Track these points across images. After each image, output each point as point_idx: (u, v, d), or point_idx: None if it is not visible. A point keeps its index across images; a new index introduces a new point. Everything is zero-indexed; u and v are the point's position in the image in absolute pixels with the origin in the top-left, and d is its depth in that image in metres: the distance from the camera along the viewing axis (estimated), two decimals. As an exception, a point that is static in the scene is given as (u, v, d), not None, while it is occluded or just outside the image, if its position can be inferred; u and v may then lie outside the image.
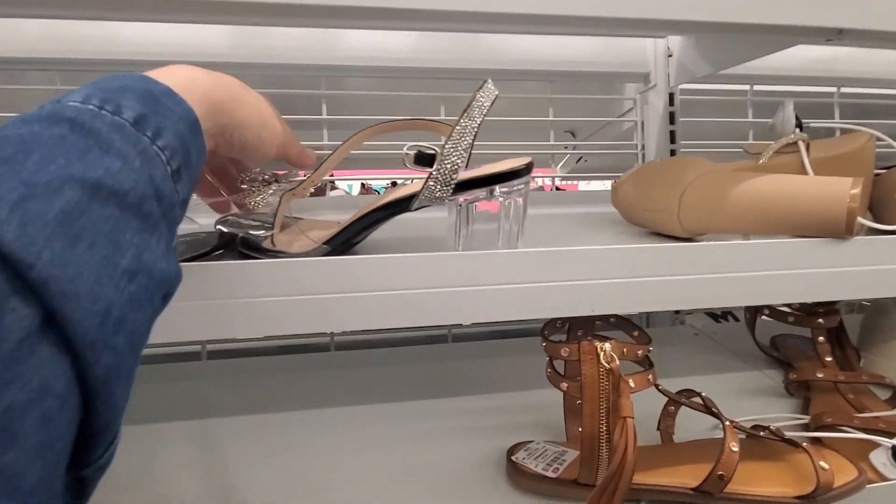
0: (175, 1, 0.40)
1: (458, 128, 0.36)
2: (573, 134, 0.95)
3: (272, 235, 0.42)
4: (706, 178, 0.48)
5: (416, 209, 0.39)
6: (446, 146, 0.36)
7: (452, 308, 0.37)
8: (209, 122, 0.31)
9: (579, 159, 0.97)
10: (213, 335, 0.36)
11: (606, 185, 1.26)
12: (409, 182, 0.48)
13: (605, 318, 0.49)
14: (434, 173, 0.37)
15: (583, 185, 1.60)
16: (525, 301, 0.39)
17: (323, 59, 0.74)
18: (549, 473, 0.45)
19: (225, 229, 0.44)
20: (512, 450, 0.48)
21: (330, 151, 0.75)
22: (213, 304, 0.35)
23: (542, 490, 0.45)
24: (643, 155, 0.78)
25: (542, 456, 0.47)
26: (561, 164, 1.00)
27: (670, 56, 0.75)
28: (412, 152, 0.37)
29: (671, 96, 0.76)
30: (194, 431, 0.55)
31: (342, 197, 0.83)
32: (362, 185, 1.94)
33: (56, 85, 0.66)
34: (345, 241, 0.41)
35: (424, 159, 0.37)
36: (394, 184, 1.93)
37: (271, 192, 0.41)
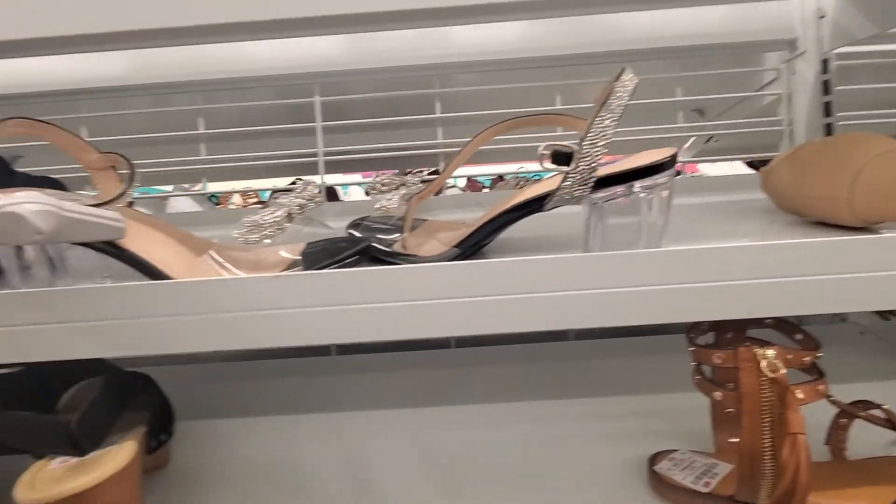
0: (296, 21, 0.42)
1: (595, 123, 0.34)
2: (701, 112, 0.87)
3: (403, 239, 0.43)
4: (887, 157, 0.41)
5: (549, 209, 0.37)
6: (584, 143, 0.34)
7: (598, 310, 0.35)
8: None
9: (708, 140, 0.89)
10: (348, 338, 0.36)
11: (735, 167, 1.14)
12: (514, 178, 0.46)
13: (759, 320, 0.44)
14: (572, 172, 0.35)
15: (705, 168, 1.47)
16: (675, 303, 0.35)
17: (433, 59, 0.74)
18: (700, 488, 0.42)
19: (357, 234, 0.46)
20: (654, 458, 0.45)
21: (445, 150, 0.76)
22: (350, 310, 0.36)
23: (690, 504, 0.42)
24: (790, 131, 0.69)
25: (690, 468, 0.44)
26: (687, 145, 0.92)
27: (822, 17, 0.66)
28: (548, 152, 0.35)
29: (825, 63, 0.67)
30: (329, 424, 0.58)
31: (461, 196, 0.82)
32: (468, 179, 1.95)
33: (199, 104, 0.72)
34: (475, 244, 0.40)
35: (561, 158, 0.35)
36: (500, 178, 1.92)
37: (401, 194, 0.42)
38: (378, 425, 0.57)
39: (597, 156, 0.34)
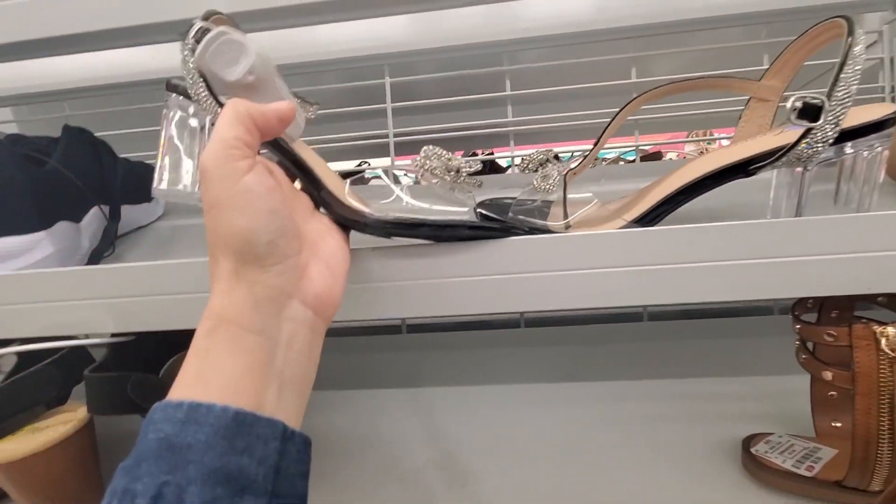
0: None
1: (842, 78, 0.31)
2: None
3: (566, 224, 0.37)
4: None
5: (758, 173, 0.34)
6: (833, 98, 0.31)
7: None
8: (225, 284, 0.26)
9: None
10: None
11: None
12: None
13: (870, 297, 0.41)
14: (820, 127, 0.31)
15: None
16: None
17: (503, 35, 0.73)
18: (803, 471, 0.40)
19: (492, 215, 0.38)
20: (749, 441, 0.44)
21: (513, 128, 0.75)
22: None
23: (792, 489, 0.40)
24: (893, 98, 0.64)
25: (790, 451, 0.42)
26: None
27: (933, -30, 0.60)
28: (800, 104, 0.31)
29: (935, 21, 0.61)
30: (410, 398, 0.59)
31: (610, 167, 0.78)
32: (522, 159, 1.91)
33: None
34: (654, 218, 0.36)
35: (811, 112, 0.31)
36: (556, 157, 1.88)
37: (555, 173, 0.38)
38: (457, 401, 0.58)
39: (843, 111, 0.31)
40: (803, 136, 0.31)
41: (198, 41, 0.28)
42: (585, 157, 0.38)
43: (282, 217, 0.27)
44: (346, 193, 0.33)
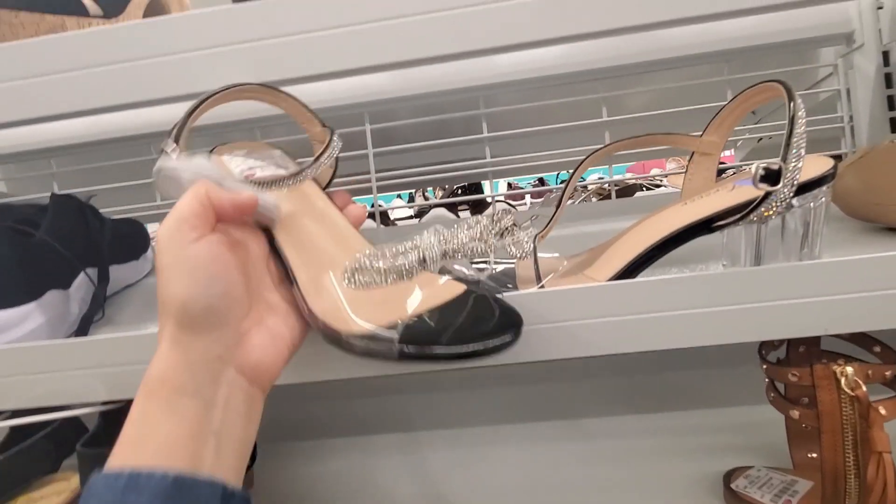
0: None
1: (794, 139, 0.33)
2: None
3: (540, 286, 0.38)
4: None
5: (720, 229, 0.36)
6: (789, 160, 0.33)
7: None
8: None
9: (760, 139, 0.87)
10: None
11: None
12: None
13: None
14: (780, 189, 0.33)
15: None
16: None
17: (478, 80, 0.75)
18: (781, 506, 0.41)
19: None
20: (730, 476, 0.45)
21: (492, 168, 0.77)
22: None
23: (771, 523, 0.42)
24: (852, 127, 0.67)
25: (768, 485, 0.43)
26: (738, 144, 0.90)
27: (881, 9, 0.63)
28: (763, 171, 0.33)
29: (885, 55, 0.64)
30: (401, 442, 0.60)
31: (583, 206, 0.79)
32: (508, 184, 1.95)
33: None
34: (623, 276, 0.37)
35: (770, 176, 0.33)
36: (541, 181, 1.91)
37: (525, 238, 0.37)
38: (445, 443, 0.59)
39: (797, 172, 0.33)
40: (764, 198, 0.33)
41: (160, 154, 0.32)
42: (551, 219, 0.40)
43: (225, 283, 0.27)
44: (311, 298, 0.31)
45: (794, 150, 0.32)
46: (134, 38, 0.44)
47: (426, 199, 1.96)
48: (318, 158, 0.36)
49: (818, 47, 0.71)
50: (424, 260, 0.32)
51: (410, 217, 1.52)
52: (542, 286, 0.38)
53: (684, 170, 0.42)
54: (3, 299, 0.44)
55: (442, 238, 0.34)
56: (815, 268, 0.34)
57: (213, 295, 0.27)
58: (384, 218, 1.19)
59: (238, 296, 0.29)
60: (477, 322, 0.29)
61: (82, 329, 0.50)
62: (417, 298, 0.30)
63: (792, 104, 0.33)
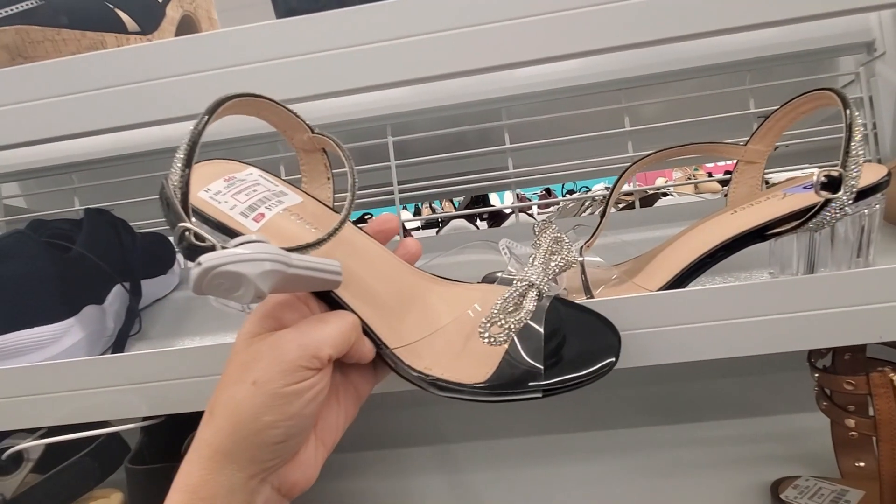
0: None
1: (853, 146, 0.33)
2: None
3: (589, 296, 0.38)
4: None
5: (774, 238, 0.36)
6: (849, 167, 0.33)
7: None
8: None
9: (776, 147, 0.87)
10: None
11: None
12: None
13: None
14: (840, 196, 0.33)
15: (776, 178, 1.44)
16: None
17: (499, 92, 0.76)
18: (834, 516, 0.41)
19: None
20: (777, 486, 0.45)
21: (515, 179, 0.77)
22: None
23: (824, 533, 0.41)
24: (875, 135, 0.67)
25: (818, 495, 0.43)
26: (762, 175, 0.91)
27: (902, 17, 0.64)
28: (824, 179, 0.33)
29: (909, 63, 0.65)
30: (434, 455, 0.59)
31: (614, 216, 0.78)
32: (516, 195, 1.95)
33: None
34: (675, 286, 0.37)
35: (833, 184, 0.33)
36: (547, 191, 1.91)
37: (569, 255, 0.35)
38: (479, 455, 0.58)
39: (857, 180, 0.33)
40: (824, 205, 0.33)
41: (189, 249, 0.23)
42: (597, 228, 0.40)
43: (311, 421, 0.26)
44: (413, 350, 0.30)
45: (853, 158, 0.33)
46: (169, 56, 0.44)
47: (433, 210, 1.96)
48: (352, 190, 0.31)
49: (839, 55, 0.71)
50: (540, 296, 0.31)
51: (417, 229, 1.52)
52: (591, 297, 0.38)
53: (690, 179, 0.43)
54: (43, 315, 0.43)
55: (546, 268, 0.33)
56: (870, 275, 0.34)
57: (294, 434, 0.25)
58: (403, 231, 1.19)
59: (310, 429, 0.27)
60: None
61: (119, 344, 0.50)
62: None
63: (848, 112, 0.33)
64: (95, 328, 0.47)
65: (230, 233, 0.28)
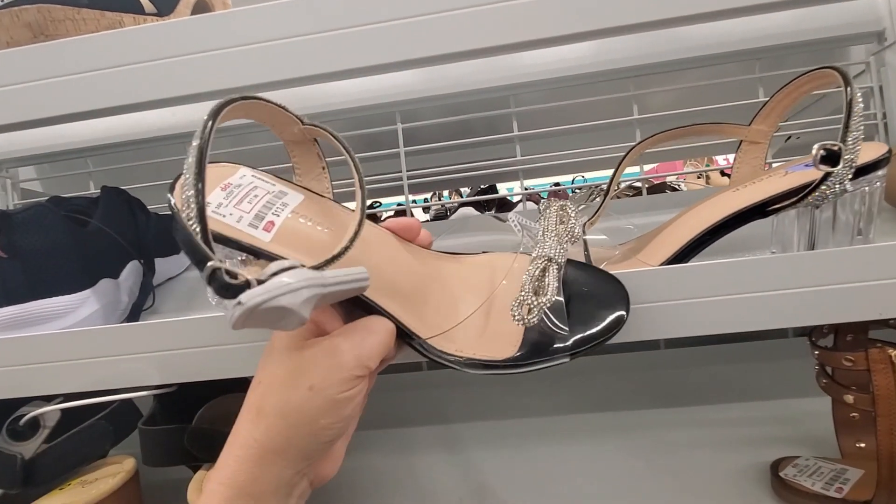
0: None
1: (852, 122, 0.34)
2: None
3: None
4: None
5: (775, 214, 0.36)
6: (848, 141, 0.33)
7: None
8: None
9: (788, 138, 0.87)
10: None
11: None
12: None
13: (883, 321, 0.43)
14: (839, 169, 0.33)
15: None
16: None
17: (507, 80, 0.76)
18: (833, 493, 0.41)
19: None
20: (777, 465, 0.45)
21: (522, 167, 0.78)
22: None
23: (823, 511, 0.42)
24: (885, 124, 0.67)
25: (818, 473, 0.43)
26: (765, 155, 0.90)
27: (913, 5, 0.64)
28: (822, 153, 0.34)
29: (919, 52, 0.65)
30: (438, 435, 0.60)
31: (619, 202, 0.79)
32: (525, 187, 1.95)
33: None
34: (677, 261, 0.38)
35: (830, 157, 0.34)
36: (557, 185, 1.91)
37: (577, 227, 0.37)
38: (481, 436, 0.59)
39: (856, 154, 0.34)
40: (823, 179, 0.34)
41: (222, 287, 0.22)
42: (599, 207, 0.41)
43: (352, 419, 0.28)
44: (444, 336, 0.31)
45: (852, 132, 0.33)
46: (184, 35, 0.45)
47: (439, 198, 1.97)
48: (361, 190, 0.30)
49: (849, 45, 0.71)
50: (559, 268, 0.32)
51: (427, 221, 1.53)
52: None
53: (701, 172, 0.43)
54: (61, 285, 0.45)
55: (559, 239, 0.34)
56: (870, 251, 0.34)
57: (341, 433, 0.28)
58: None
59: (353, 424, 0.30)
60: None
61: (133, 316, 0.51)
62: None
63: (849, 89, 0.34)
64: (110, 300, 0.48)
65: (243, 248, 0.28)
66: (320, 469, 0.29)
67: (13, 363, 0.43)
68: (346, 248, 0.28)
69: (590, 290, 0.32)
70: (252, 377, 0.29)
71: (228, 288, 0.22)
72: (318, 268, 0.25)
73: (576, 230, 0.34)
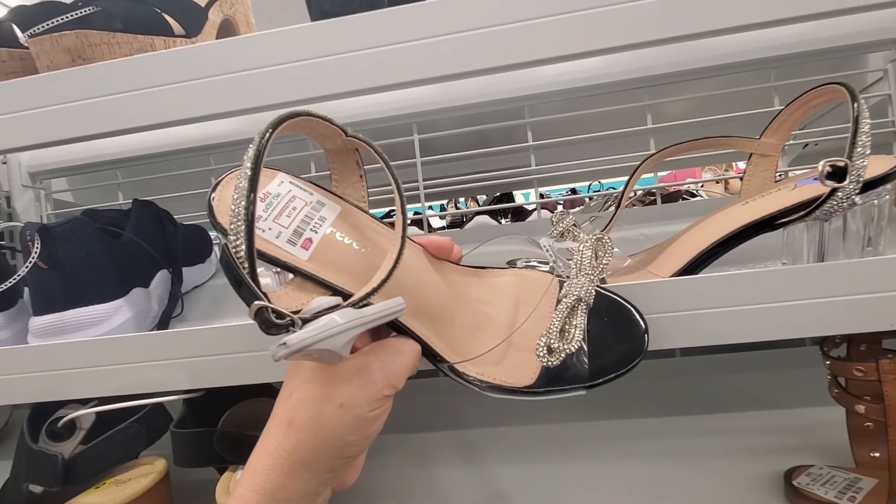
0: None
1: (859, 137, 0.35)
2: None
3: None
4: None
5: (783, 227, 0.37)
6: (854, 157, 0.34)
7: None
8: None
9: (806, 145, 0.87)
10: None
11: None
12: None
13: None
14: (846, 185, 0.34)
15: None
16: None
17: (522, 91, 0.78)
18: (846, 502, 0.41)
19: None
20: (790, 474, 0.45)
21: (537, 176, 0.79)
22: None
23: (836, 520, 0.42)
24: (902, 131, 0.67)
25: (831, 482, 0.43)
26: (784, 150, 0.90)
27: (930, 12, 0.63)
28: (828, 168, 0.35)
29: (937, 59, 0.64)
30: (454, 441, 0.61)
31: (632, 211, 0.80)
32: (540, 195, 1.95)
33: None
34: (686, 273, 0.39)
35: (836, 173, 0.34)
36: (573, 191, 1.91)
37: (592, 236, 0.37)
38: (497, 443, 0.60)
39: (862, 170, 0.34)
40: (830, 194, 0.34)
41: (267, 325, 0.24)
42: (611, 219, 0.42)
43: (376, 435, 0.29)
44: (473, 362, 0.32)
45: (859, 148, 0.34)
46: (210, 58, 0.47)
47: (458, 208, 1.99)
48: (402, 203, 0.31)
49: (866, 52, 0.71)
50: (589, 307, 0.33)
51: (443, 228, 1.55)
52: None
53: (719, 179, 0.43)
54: (96, 294, 0.47)
55: (591, 279, 0.34)
56: (882, 263, 0.35)
57: (366, 448, 0.29)
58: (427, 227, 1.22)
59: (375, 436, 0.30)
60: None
61: (163, 324, 0.53)
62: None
63: (856, 104, 0.34)
64: (142, 309, 0.51)
65: (280, 265, 0.28)
66: (343, 477, 0.31)
67: (52, 368, 0.45)
68: (386, 280, 0.28)
69: (610, 320, 0.33)
70: (274, 383, 0.31)
71: (273, 326, 0.23)
72: (359, 301, 0.27)
73: (607, 269, 0.35)
